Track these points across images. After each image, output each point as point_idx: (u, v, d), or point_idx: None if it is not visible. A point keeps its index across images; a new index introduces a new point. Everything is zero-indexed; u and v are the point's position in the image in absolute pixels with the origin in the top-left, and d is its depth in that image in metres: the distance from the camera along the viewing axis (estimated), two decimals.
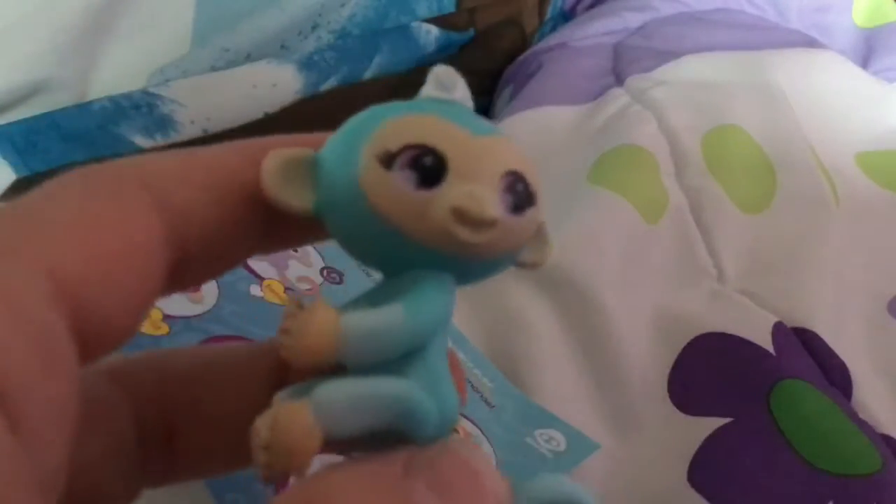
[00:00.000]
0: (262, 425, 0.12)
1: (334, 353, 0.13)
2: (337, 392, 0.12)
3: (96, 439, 0.14)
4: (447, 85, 0.14)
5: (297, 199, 0.14)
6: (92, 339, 0.12)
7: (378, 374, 0.13)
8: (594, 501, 0.14)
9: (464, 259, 0.14)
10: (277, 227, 0.15)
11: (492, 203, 0.13)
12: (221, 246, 0.14)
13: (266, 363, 0.16)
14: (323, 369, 0.13)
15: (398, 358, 0.13)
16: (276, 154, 0.14)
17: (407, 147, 0.13)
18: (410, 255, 0.13)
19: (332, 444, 0.13)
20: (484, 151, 0.13)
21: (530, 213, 0.14)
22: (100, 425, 0.14)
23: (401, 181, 0.13)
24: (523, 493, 0.14)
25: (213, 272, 0.15)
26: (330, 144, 0.14)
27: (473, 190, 0.13)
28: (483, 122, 0.14)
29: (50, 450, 0.11)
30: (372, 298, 0.14)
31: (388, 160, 0.13)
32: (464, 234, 0.13)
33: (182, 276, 0.14)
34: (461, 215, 0.13)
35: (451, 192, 0.13)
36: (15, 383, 0.10)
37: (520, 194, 0.14)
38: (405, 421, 0.13)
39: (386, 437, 0.13)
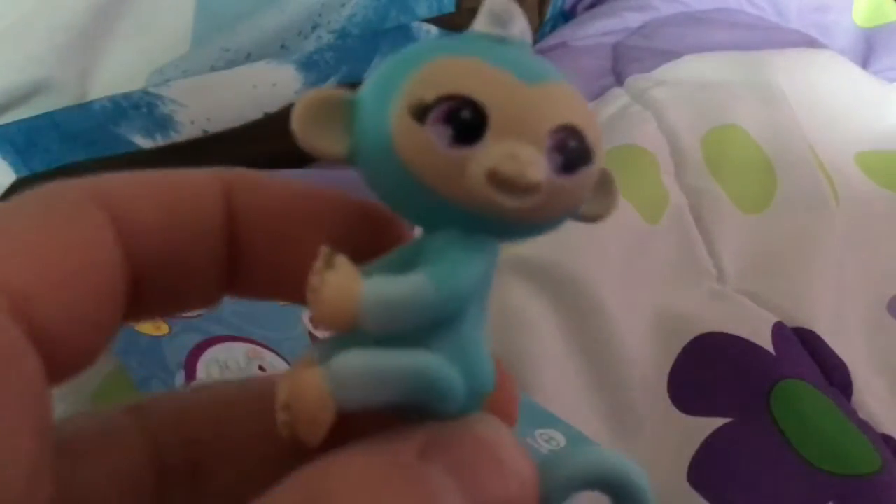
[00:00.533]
0: (282, 384, 0.12)
1: (352, 322, 0.12)
2: (354, 363, 0.12)
3: (103, 472, 0.14)
4: (503, 19, 0.13)
5: (330, 143, 0.13)
6: (49, 359, 0.11)
7: (403, 345, 0.12)
8: (642, 473, 0.13)
9: (508, 222, 0.12)
10: (246, 266, 0.14)
11: (535, 164, 0.12)
12: (182, 273, 0.14)
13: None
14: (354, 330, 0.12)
15: (427, 327, 0.12)
16: (309, 95, 0.13)
17: (443, 98, 0.12)
18: (448, 216, 0.12)
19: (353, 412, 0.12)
20: (532, 103, 0.12)
21: (585, 173, 0.12)
22: (109, 459, 0.14)
23: (435, 137, 0.12)
24: (559, 470, 0.13)
25: (177, 304, 0.14)
26: (367, 85, 0.13)
27: (514, 150, 0.12)
28: (539, 63, 0.13)
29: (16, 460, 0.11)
30: (405, 257, 0.13)
31: (421, 112, 0.12)
32: (503, 199, 0.12)
33: (143, 302, 0.13)
34: (499, 180, 0.12)
35: (489, 152, 0.12)
36: None
37: (572, 152, 0.12)
38: (428, 395, 0.12)
39: (412, 409, 0.12)
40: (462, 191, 0.12)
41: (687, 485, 0.32)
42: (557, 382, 0.34)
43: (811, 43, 0.56)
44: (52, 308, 0.12)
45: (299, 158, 0.42)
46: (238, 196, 0.14)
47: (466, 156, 0.12)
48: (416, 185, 0.12)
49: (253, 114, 0.49)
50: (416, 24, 0.52)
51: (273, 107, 0.49)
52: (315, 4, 0.49)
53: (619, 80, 0.51)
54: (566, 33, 0.58)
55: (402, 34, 0.52)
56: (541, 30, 0.61)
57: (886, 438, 0.34)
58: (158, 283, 0.13)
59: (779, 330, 0.36)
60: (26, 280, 0.11)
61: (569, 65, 0.53)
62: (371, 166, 0.13)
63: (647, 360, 0.36)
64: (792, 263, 0.40)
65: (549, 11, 0.62)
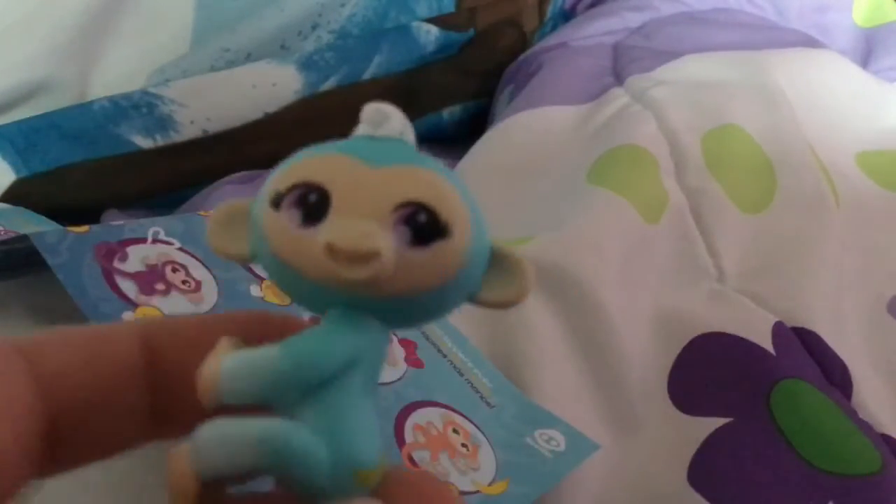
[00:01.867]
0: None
1: (215, 393, 0.13)
2: (209, 432, 0.12)
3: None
4: (376, 120, 0.14)
5: (234, 247, 0.14)
6: None
7: (273, 415, 0.13)
8: None
9: (371, 298, 0.13)
10: (168, 411, 0.15)
11: (371, 236, 0.12)
12: (101, 421, 0.14)
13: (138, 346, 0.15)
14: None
15: (295, 397, 0.13)
16: (221, 206, 0.14)
17: (293, 186, 0.13)
18: (319, 296, 0.13)
19: (227, 480, 0.13)
20: (373, 182, 0.13)
21: (441, 246, 0.13)
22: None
23: (287, 220, 0.13)
24: None
25: (97, 451, 0.15)
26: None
27: (350, 223, 0.12)
28: (397, 151, 0.13)
29: None
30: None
31: (277, 200, 0.13)
32: (343, 270, 0.12)
33: (62, 450, 0.14)
34: (335, 251, 0.12)
35: (330, 227, 0.13)
36: None
37: (421, 225, 0.13)
38: (285, 465, 0.12)
39: (282, 480, 0.13)
40: (312, 266, 0.13)
41: (687, 485, 0.32)
42: (557, 382, 0.34)
43: (811, 43, 0.56)
44: None
45: None
46: (156, 341, 0.15)
47: (311, 234, 0.13)
48: (284, 268, 0.13)
49: (253, 114, 0.49)
50: (415, 24, 0.52)
51: (273, 107, 0.49)
52: (315, 4, 0.49)
53: (619, 80, 0.51)
54: (566, 33, 0.58)
55: (402, 34, 0.52)
56: (541, 30, 0.61)
57: (886, 438, 0.34)
58: (77, 431, 0.14)
59: (779, 330, 0.36)
60: None
61: (569, 65, 0.53)
62: (259, 260, 0.14)
63: (647, 360, 0.36)
64: (792, 263, 0.40)
65: (549, 11, 0.62)
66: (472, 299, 0.14)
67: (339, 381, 0.13)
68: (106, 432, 0.14)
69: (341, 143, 0.14)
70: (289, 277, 0.13)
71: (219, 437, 0.12)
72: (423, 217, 0.13)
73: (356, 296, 0.13)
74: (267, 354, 0.13)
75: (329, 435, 0.13)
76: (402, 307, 0.13)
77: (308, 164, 0.13)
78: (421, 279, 0.13)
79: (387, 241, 0.12)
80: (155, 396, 0.14)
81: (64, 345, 0.14)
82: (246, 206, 0.14)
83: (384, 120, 0.14)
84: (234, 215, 0.14)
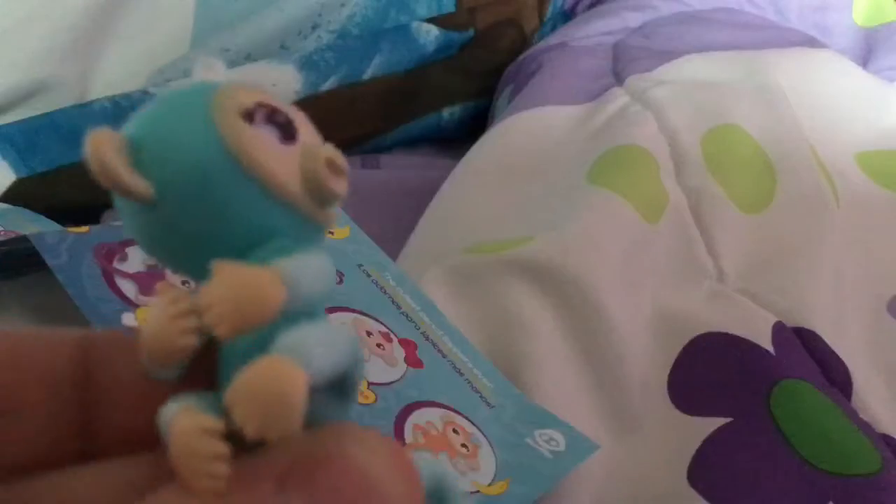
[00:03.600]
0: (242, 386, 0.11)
1: (279, 302, 0.12)
2: (308, 337, 0.11)
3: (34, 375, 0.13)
4: (210, 66, 0.14)
5: (136, 183, 0.12)
6: None
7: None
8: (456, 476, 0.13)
9: (314, 222, 0.13)
10: (99, 432, 0.13)
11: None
12: (10, 426, 0.13)
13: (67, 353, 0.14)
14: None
15: (297, 315, 0.12)
16: (98, 134, 0.12)
17: (259, 104, 0.13)
18: (269, 221, 0.13)
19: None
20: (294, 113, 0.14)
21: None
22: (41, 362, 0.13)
23: (267, 136, 0.13)
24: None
25: (24, 462, 0.13)
26: (146, 126, 0.13)
27: (320, 143, 0.13)
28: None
29: None
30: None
31: (248, 115, 0.13)
32: (336, 184, 0.13)
33: None
34: (335, 166, 0.13)
35: (314, 147, 0.13)
36: None
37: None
38: (358, 362, 0.12)
39: (339, 385, 0.12)
40: (290, 183, 0.13)
41: (687, 485, 0.32)
42: (557, 382, 0.34)
43: (811, 43, 0.56)
44: None
45: None
46: (95, 353, 0.13)
47: (297, 150, 0.13)
48: (255, 191, 0.12)
49: None
50: (415, 24, 0.52)
51: None
52: (315, 4, 0.49)
53: (619, 79, 0.51)
54: (566, 33, 0.58)
55: (402, 34, 0.52)
56: (541, 30, 0.62)
57: (886, 438, 0.34)
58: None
59: (779, 330, 0.36)
60: None
61: (569, 65, 0.53)
62: (189, 194, 0.12)
63: (647, 360, 0.36)
64: (792, 263, 0.40)
65: (549, 11, 0.62)
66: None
67: (314, 310, 0.13)
68: (14, 439, 0.13)
69: (231, 79, 0.14)
70: (249, 199, 0.12)
71: (319, 336, 0.12)
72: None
73: (303, 220, 0.13)
74: (316, 255, 0.13)
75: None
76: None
77: (250, 90, 0.13)
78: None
79: None
80: (85, 413, 0.13)
81: None
82: (121, 136, 0.12)
83: (213, 65, 0.14)
84: (109, 145, 0.12)
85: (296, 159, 0.13)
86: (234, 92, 0.13)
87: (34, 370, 0.13)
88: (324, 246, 0.14)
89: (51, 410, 0.13)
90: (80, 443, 0.13)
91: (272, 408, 0.11)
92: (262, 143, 0.13)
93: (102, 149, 0.12)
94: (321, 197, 0.13)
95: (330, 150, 0.13)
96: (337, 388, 0.12)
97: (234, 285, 0.12)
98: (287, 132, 0.13)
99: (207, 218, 0.13)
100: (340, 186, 0.13)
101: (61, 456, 0.13)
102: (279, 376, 0.11)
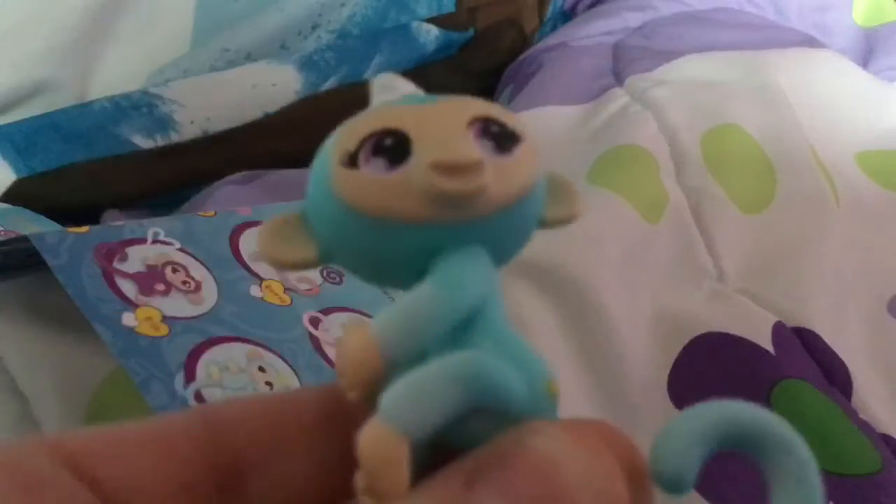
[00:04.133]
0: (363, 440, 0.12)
1: (378, 362, 0.12)
2: (402, 391, 0.12)
3: (161, 476, 0.13)
4: (390, 86, 0.14)
5: (300, 253, 0.13)
6: None
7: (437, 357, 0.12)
8: (784, 424, 0.13)
9: (474, 225, 0.13)
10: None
11: (469, 145, 0.12)
12: (277, 473, 0.14)
13: (318, 406, 0.15)
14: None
15: (453, 335, 0.12)
16: (266, 223, 0.14)
17: (363, 140, 0.13)
18: (420, 243, 0.13)
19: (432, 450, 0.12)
20: (440, 111, 0.13)
21: (520, 151, 0.13)
22: (168, 465, 0.14)
23: (370, 172, 0.12)
24: (682, 437, 0.13)
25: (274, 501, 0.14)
26: (306, 196, 0.14)
27: (440, 145, 0.12)
28: (437, 96, 0.14)
29: None
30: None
31: (351, 160, 0.13)
32: (453, 184, 0.12)
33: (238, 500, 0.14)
34: (443, 166, 0.12)
35: (424, 152, 0.12)
36: None
37: (498, 134, 0.13)
38: (486, 394, 0.12)
39: (482, 417, 0.12)
40: (414, 201, 0.12)
41: None
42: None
43: (811, 43, 0.56)
44: None
45: (299, 158, 0.42)
46: (227, 429, 0.14)
47: (405, 171, 0.12)
48: (376, 230, 0.13)
49: (253, 114, 0.49)
50: (415, 24, 0.52)
51: (273, 107, 0.49)
52: (315, 4, 0.49)
53: (619, 79, 0.51)
54: (566, 33, 0.58)
55: (402, 34, 0.52)
56: (541, 30, 0.62)
57: (886, 438, 0.34)
58: (256, 479, 0.14)
59: (779, 330, 0.36)
60: None
61: (569, 65, 0.53)
62: (340, 244, 0.13)
63: (647, 360, 0.36)
64: (792, 263, 0.40)
65: (549, 11, 0.62)
66: (541, 221, 0.14)
67: (482, 312, 0.13)
68: (281, 484, 0.14)
69: (376, 105, 0.14)
70: (383, 238, 0.13)
71: (417, 389, 0.12)
72: (495, 127, 0.13)
73: (460, 227, 0.13)
74: (419, 293, 0.13)
75: (507, 357, 0.13)
76: (500, 226, 0.13)
77: (363, 121, 0.13)
78: (515, 184, 0.13)
79: (482, 151, 0.13)
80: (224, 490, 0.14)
81: (116, 454, 0.13)
82: (294, 214, 0.14)
83: (394, 84, 0.14)
84: (282, 226, 0.14)
85: (408, 178, 0.12)
86: (344, 136, 0.13)
87: (285, 423, 0.14)
88: (503, 238, 0.13)
89: (309, 454, 0.14)
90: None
91: (372, 470, 0.11)
92: (363, 184, 0.12)
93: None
94: (446, 202, 0.12)
95: (436, 152, 0.12)
96: (488, 411, 0.12)
97: (338, 355, 0.13)
98: (395, 155, 0.12)
99: (364, 263, 0.14)
100: (458, 184, 0.12)
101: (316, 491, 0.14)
102: (375, 442, 0.11)
